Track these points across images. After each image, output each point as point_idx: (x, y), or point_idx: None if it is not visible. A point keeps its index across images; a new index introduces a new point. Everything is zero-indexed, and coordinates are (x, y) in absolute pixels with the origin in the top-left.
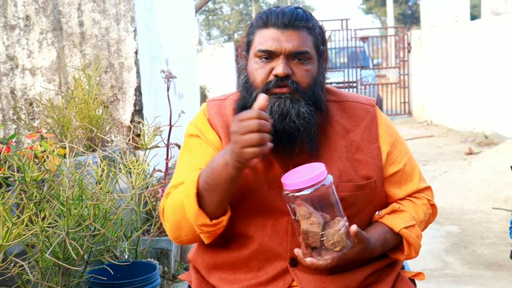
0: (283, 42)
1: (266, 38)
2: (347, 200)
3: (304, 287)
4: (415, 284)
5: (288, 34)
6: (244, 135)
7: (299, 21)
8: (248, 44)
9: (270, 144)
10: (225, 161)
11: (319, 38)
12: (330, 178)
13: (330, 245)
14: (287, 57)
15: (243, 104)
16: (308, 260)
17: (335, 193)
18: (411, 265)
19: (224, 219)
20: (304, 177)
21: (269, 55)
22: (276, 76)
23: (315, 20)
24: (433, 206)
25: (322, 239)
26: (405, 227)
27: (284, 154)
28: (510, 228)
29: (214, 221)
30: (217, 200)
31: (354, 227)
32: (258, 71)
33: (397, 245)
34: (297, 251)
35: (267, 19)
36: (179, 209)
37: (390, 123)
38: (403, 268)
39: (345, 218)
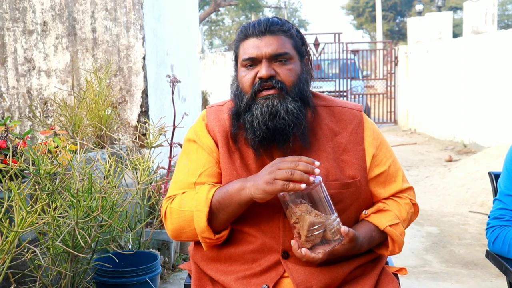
0: (263, 48)
1: (248, 47)
2: (333, 197)
3: (295, 277)
4: (398, 279)
5: (266, 39)
6: (280, 170)
7: (274, 26)
8: (236, 58)
9: (303, 185)
10: (241, 186)
11: (297, 40)
12: (318, 178)
13: (332, 234)
14: (269, 60)
15: (236, 109)
16: (303, 250)
17: (325, 191)
18: (394, 262)
19: (225, 233)
20: None
21: (252, 62)
22: (260, 78)
23: (290, 24)
24: (415, 205)
25: (325, 229)
26: (390, 225)
27: (278, 151)
28: (486, 230)
29: (217, 236)
30: (224, 219)
31: (345, 228)
32: (245, 77)
33: (382, 242)
34: (293, 242)
35: (246, 31)
36: (187, 218)
37: (376, 127)
38: (387, 263)
39: (336, 213)
